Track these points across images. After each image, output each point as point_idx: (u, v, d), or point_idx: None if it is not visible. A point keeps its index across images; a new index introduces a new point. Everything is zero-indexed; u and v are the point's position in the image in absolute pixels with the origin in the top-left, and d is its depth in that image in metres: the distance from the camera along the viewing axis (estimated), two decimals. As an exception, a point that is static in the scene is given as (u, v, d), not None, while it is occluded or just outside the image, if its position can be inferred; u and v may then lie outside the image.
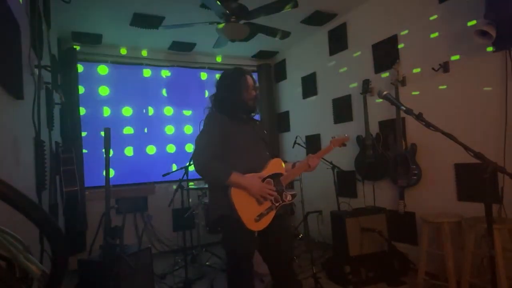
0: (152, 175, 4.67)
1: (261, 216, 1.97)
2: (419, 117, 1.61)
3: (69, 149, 2.82)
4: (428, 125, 1.59)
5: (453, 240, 2.64)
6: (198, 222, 4.06)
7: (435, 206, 3.09)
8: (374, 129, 3.64)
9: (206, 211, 3.81)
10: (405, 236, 3.38)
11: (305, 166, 2.13)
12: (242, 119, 2.12)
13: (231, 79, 2.13)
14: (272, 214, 2.02)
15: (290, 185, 2.14)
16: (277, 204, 2.03)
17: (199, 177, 2.05)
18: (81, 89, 4.35)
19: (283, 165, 2.16)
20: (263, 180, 2.01)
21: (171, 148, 4.94)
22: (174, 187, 3.74)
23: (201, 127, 2.09)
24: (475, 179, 2.77)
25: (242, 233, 1.94)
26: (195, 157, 2.00)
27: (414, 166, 3.17)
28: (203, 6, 3.38)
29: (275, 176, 2.06)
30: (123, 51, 4.63)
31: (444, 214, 2.83)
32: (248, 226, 1.92)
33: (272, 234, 2.04)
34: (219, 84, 2.18)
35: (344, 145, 2.26)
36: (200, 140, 2.02)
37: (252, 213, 1.95)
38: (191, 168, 3.69)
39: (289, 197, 2.08)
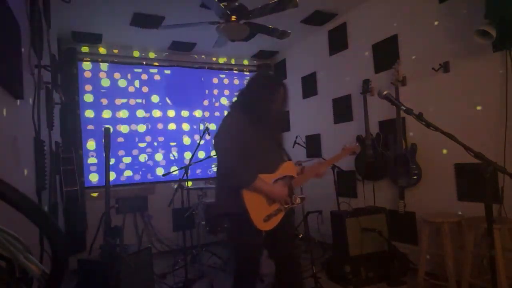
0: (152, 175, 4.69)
1: (270, 216, 1.98)
2: (419, 117, 1.61)
3: (69, 149, 2.82)
4: (428, 125, 1.59)
5: (453, 240, 2.64)
6: (198, 222, 4.05)
7: (435, 206, 3.09)
8: (374, 129, 3.63)
9: (206, 211, 3.81)
10: (405, 236, 3.38)
11: (313, 174, 2.17)
12: (262, 121, 2.10)
13: (269, 86, 2.11)
14: (281, 215, 2.04)
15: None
16: (286, 206, 2.05)
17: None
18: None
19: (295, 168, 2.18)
20: (275, 181, 2.03)
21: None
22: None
23: (222, 125, 2.05)
24: (475, 179, 2.77)
25: (251, 233, 1.95)
26: (223, 158, 1.98)
27: (414, 166, 3.17)
28: (203, 6, 3.37)
29: (287, 179, 2.08)
30: (123, 51, 4.63)
31: (444, 214, 2.83)
32: (257, 225, 1.93)
33: (280, 235, 2.06)
34: (255, 86, 2.13)
35: (354, 153, 2.34)
36: (228, 141, 1.99)
37: (262, 213, 1.96)
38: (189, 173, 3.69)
39: (298, 200, 2.11)
